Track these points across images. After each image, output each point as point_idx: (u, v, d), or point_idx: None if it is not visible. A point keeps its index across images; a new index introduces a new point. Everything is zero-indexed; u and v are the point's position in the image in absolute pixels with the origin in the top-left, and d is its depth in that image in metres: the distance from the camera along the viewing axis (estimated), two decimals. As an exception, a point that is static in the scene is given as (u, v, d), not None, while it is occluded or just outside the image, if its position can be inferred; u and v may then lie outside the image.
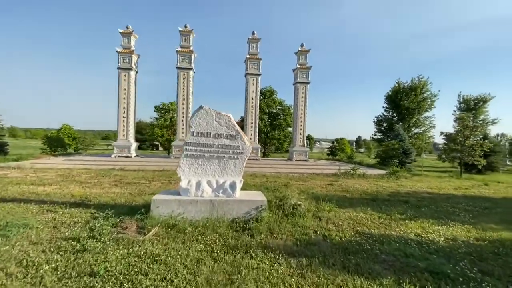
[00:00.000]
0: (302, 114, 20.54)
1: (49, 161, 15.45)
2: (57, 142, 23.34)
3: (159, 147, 39.13)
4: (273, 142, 32.12)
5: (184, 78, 17.83)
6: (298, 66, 20.23)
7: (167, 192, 5.90)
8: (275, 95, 31.15)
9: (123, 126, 17.69)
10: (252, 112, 19.37)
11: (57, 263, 3.42)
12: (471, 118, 18.38)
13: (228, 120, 5.94)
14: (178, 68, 17.88)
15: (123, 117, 17.64)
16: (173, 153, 18.15)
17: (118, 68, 17.51)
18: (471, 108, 27.27)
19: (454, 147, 17.40)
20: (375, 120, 30.80)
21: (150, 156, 21.59)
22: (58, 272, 3.24)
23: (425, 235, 5.29)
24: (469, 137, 17.33)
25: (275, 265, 3.69)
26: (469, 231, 5.81)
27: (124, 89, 17.50)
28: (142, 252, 3.80)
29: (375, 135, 31.37)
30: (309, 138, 39.72)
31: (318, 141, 68.70)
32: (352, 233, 5.14)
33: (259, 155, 19.94)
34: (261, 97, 29.94)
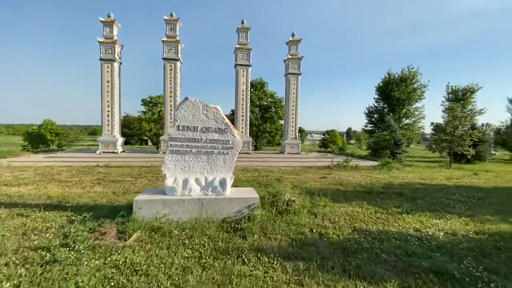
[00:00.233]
0: (293, 106, 20.18)
1: (29, 158, 14.61)
2: (38, 139, 22.21)
3: (148, 142, 38.13)
4: (265, 135, 31.73)
5: (171, 70, 17.07)
6: (289, 56, 19.73)
7: (152, 192, 5.46)
8: (266, 87, 30.58)
9: (108, 120, 16.88)
10: (242, 104, 18.85)
11: (20, 279, 2.98)
12: (460, 108, 18.42)
13: (217, 112, 5.51)
14: (164, 59, 17.07)
15: (108, 111, 16.81)
16: (162, 148, 17.53)
17: (101, 59, 16.55)
18: (459, 98, 27.61)
19: (444, 137, 17.50)
20: (366, 112, 30.84)
21: (138, 151, 20.83)
22: (20, 291, 2.80)
23: (424, 230, 5.09)
24: (458, 127, 17.46)
25: (270, 271, 3.36)
26: (467, 224, 5.66)
27: (108, 82, 16.62)
28: (121, 262, 3.39)
29: (366, 126, 31.46)
30: (300, 130, 39.56)
31: (310, 134, 68.80)
32: (350, 230, 4.88)
33: (250, 148, 19.55)
34: (252, 89, 29.35)
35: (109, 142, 16.86)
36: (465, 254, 4.14)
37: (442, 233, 4.95)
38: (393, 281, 3.23)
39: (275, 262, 3.55)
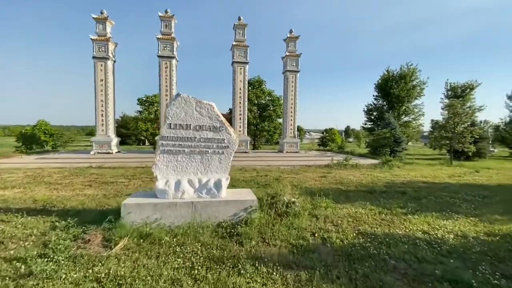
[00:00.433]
0: (292, 104, 19.85)
1: (21, 160, 14.20)
2: (31, 139, 21.73)
3: (146, 142, 37.68)
4: (263, 134, 31.42)
5: (166, 67, 16.67)
6: (287, 53, 19.38)
7: (142, 194, 5.11)
8: (264, 85, 30.23)
9: (102, 120, 16.47)
10: (240, 102, 18.50)
11: (-14, 297, 2.64)
12: (460, 105, 18.17)
13: (211, 109, 5.16)
14: (159, 56, 16.67)
15: (102, 110, 16.39)
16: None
17: (94, 57, 16.11)
18: (458, 95, 27.39)
19: (445, 134, 17.25)
20: (365, 109, 30.55)
21: (134, 151, 20.43)
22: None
23: (433, 232, 4.78)
24: (459, 124, 17.21)
25: (269, 283, 3.04)
26: (476, 225, 5.37)
27: (101, 80, 16.19)
28: (103, 274, 3.05)
29: (365, 124, 31.20)
30: (299, 129, 39.28)
31: (308, 132, 68.53)
32: (354, 234, 4.56)
33: (248, 147, 19.23)
34: (250, 87, 28.99)
35: (104, 142, 16.46)
36: (478, 259, 3.84)
37: (451, 236, 4.64)
38: (405, 292, 2.92)
39: (274, 273, 3.23)
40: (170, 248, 3.77)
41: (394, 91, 27.01)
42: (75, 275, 3.02)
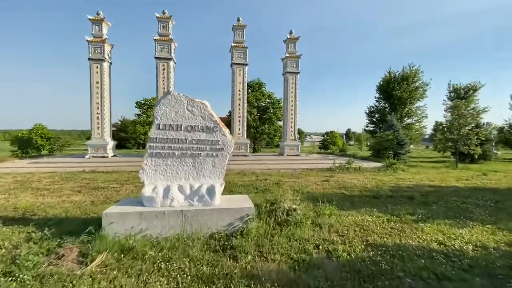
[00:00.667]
0: (292, 106, 19.45)
1: (12, 164, 13.78)
2: (27, 144, 21.34)
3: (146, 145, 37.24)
4: (263, 137, 30.98)
5: (164, 69, 16.32)
6: (287, 55, 19.03)
7: (127, 202, 4.66)
8: (264, 88, 29.89)
9: (98, 123, 16.07)
10: (239, 105, 18.10)
11: None
12: (464, 106, 17.73)
13: (204, 108, 4.74)
14: (157, 58, 16.33)
15: (97, 113, 16.01)
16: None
17: (89, 59, 15.78)
18: (461, 97, 26.93)
19: (449, 137, 16.78)
20: (367, 112, 30.10)
21: (131, 155, 20.00)
22: None
23: (449, 243, 4.31)
24: (464, 125, 16.76)
25: (266, 309, 2.58)
26: (494, 234, 4.89)
27: (97, 82, 15.83)
28: (71, 299, 2.60)
29: (367, 126, 30.73)
30: (299, 132, 38.85)
31: (309, 135, 68.10)
32: (363, 246, 4.09)
33: (248, 150, 18.78)
34: (250, 90, 28.66)
35: (99, 146, 16.04)
36: (505, 274, 3.37)
37: (470, 247, 4.16)
38: (429, 321, 2.45)
39: (272, 295, 2.77)
40: (154, 265, 3.31)
41: (396, 93, 26.59)
42: (37, 300, 2.57)
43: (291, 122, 19.64)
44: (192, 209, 4.28)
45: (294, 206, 5.50)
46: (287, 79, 19.18)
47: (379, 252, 3.88)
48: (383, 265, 3.48)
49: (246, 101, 18.57)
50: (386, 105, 28.67)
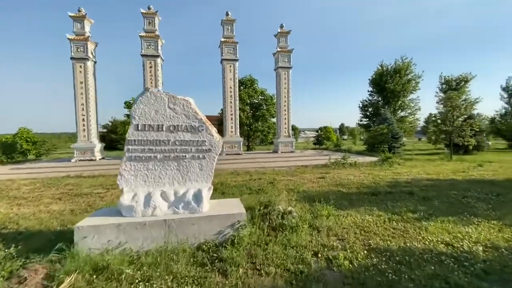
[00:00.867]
0: (285, 102, 19.05)
1: (-7, 171, 13.03)
2: (11, 149, 20.43)
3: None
4: (257, 135, 30.55)
5: (150, 67, 15.68)
6: (279, 49, 18.57)
7: (103, 213, 4.20)
8: (256, 84, 29.38)
9: (83, 125, 15.38)
10: (231, 102, 17.60)
11: None
12: (457, 97, 17.63)
13: (187, 106, 4.30)
14: (143, 55, 15.66)
15: (82, 114, 15.31)
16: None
17: (72, 58, 15.02)
18: (453, 88, 26.97)
19: (444, 128, 16.67)
20: (360, 106, 29.95)
21: (121, 157, 19.34)
22: None
23: (457, 244, 4.00)
24: (458, 117, 16.67)
25: None
26: (502, 231, 4.62)
27: (81, 82, 15.11)
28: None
29: (361, 120, 30.62)
30: (293, 128, 38.54)
31: (303, 131, 68.01)
32: (365, 252, 3.73)
33: (241, 149, 18.35)
34: (242, 87, 28.14)
35: (86, 148, 15.37)
36: (523, 280, 3.06)
37: (480, 248, 3.86)
38: None
39: (267, 320, 2.38)
40: (132, 286, 2.89)
41: (389, 86, 26.46)
42: None
43: (285, 118, 19.26)
44: (177, 218, 3.86)
45: (289, 208, 5.13)
46: (279, 74, 18.75)
47: (384, 259, 3.53)
48: (390, 274, 3.13)
49: (238, 98, 18.09)
50: (379, 98, 28.56)
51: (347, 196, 7.21)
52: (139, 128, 4.15)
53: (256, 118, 29.01)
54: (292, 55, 18.79)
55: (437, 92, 28.49)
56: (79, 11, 15.29)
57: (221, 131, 20.07)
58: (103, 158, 16.56)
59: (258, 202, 5.49)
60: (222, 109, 19.24)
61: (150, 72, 15.70)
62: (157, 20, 16.08)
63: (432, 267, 3.29)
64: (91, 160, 15.37)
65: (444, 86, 28.42)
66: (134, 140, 4.15)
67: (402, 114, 28.23)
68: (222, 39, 17.18)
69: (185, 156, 4.29)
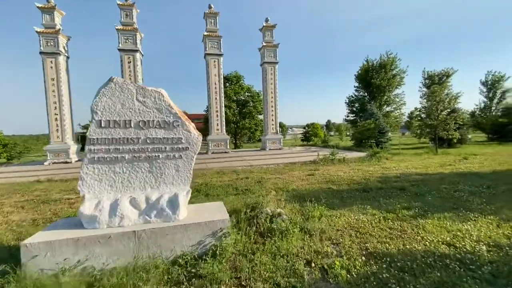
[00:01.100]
0: (272, 98, 18.63)
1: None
2: (-21, 152, 18.94)
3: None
4: (244, 132, 30.04)
5: (129, 62, 14.79)
6: (264, 44, 18.08)
7: (61, 225, 3.58)
8: (242, 81, 28.80)
9: (57, 125, 14.29)
10: (216, 98, 16.97)
11: None
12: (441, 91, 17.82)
13: (159, 98, 3.75)
14: (121, 50, 14.73)
15: (55, 114, 14.22)
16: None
17: (41, 52, 13.87)
18: (435, 83, 27.51)
19: (429, 122, 16.82)
20: (347, 101, 30.06)
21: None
22: None
23: (459, 244, 3.70)
24: (443, 110, 16.86)
25: None
26: (500, 227, 4.39)
27: (52, 79, 14.01)
28: None
29: (347, 116, 30.73)
30: (281, 125, 38.32)
31: (291, 128, 68.11)
32: (363, 258, 3.35)
33: (228, 147, 17.79)
34: (227, 83, 27.50)
35: (60, 150, 14.32)
36: (535, 283, 2.77)
37: (484, 247, 3.57)
38: None
39: None
40: (88, 317, 2.35)
41: (375, 81, 26.63)
42: None
43: (272, 115, 18.86)
44: (148, 228, 3.32)
45: (278, 210, 4.70)
46: (265, 69, 18.28)
47: (384, 265, 3.16)
48: (393, 285, 2.75)
49: (223, 94, 17.48)
50: (366, 94, 28.74)
51: (338, 193, 6.87)
52: (103, 125, 3.57)
53: (243, 115, 28.48)
54: (278, 50, 18.37)
55: (420, 87, 29.00)
56: (48, 1, 14.14)
57: (207, 129, 19.43)
58: (79, 160, 15.53)
59: (245, 204, 5.05)
60: (207, 107, 18.58)
61: (129, 67, 14.80)
62: (134, 12, 15.17)
63: (438, 274, 2.95)
64: (66, 162, 14.34)
65: (427, 81, 28.94)
66: (97, 138, 3.56)
67: (388, 109, 28.57)
68: (205, 33, 16.49)
69: (159, 156, 3.75)
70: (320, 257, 3.40)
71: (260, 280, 2.89)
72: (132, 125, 3.65)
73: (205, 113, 28.12)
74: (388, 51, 27.85)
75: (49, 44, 13.97)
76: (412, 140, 31.80)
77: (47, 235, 3.18)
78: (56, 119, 14.26)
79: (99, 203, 3.44)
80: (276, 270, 3.08)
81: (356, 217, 4.91)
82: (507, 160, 12.18)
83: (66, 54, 14.83)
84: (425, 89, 26.57)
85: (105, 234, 3.18)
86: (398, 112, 28.90)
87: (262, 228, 4.16)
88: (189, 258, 3.23)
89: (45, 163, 13.98)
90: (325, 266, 3.16)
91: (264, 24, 18.07)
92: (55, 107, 14.18)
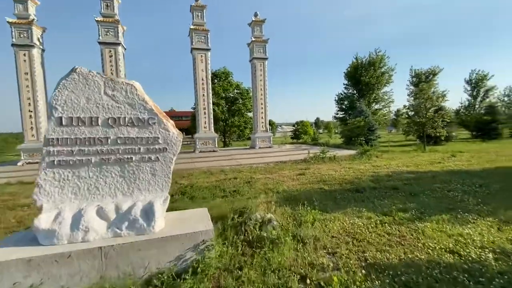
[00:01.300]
0: (262, 94, 18.21)
1: None
2: None
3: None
4: (234, 130, 29.51)
5: (110, 56, 13.96)
6: (253, 39, 17.59)
7: (13, 240, 3.04)
8: (231, 77, 28.22)
9: (31, 123, 13.33)
10: (203, 95, 16.38)
11: None
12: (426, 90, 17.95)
13: (132, 92, 3.27)
14: (101, 43, 13.86)
15: (29, 111, 13.25)
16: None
17: (13, 45, 12.84)
18: (422, 81, 27.89)
19: (418, 120, 16.90)
20: (336, 99, 30.07)
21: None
22: None
23: (463, 251, 3.43)
24: (430, 108, 16.98)
25: None
26: (502, 230, 4.18)
27: (26, 73, 13.01)
28: None
29: (337, 114, 30.78)
30: (271, 123, 38.04)
31: (280, 126, 68.04)
32: (363, 271, 3.01)
33: (216, 145, 17.26)
34: (216, 80, 26.87)
35: (35, 150, 13.37)
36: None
37: (490, 255, 3.31)
38: None
39: None
40: None
41: (364, 79, 26.70)
42: None
43: (262, 112, 18.45)
44: (117, 244, 2.84)
45: (268, 216, 4.31)
46: (254, 65, 17.81)
47: (387, 280, 2.83)
48: (400, 305, 2.42)
49: (210, 91, 16.89)
50: (355, 91, 28.81)
51: (330, 194, 6.57)
52: (64, 123, 3.05)
53: (232, 112, 27.94)
54: (268, 45, 17.94)
55: (408, 85, 29.32)
56: (20, -11, 13.11)
57: (195, 127, 18.81)
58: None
59: (232, 209, 4.63)
60: (195, 103, 17.95)
61: (110, 62, 13.97)
62: (116, 3, 14.32)
63: (447, 289, 2.64)
64: (43, 162, 13.42)
65: (414, 79, 29.27)
66: (57, 138, 3.05)
67: (377, 106, 28.77)
68: (192, 27, 15.82)
69: (131, 158, 3.27)
70: (315, 270, 3.03)
71: (248, 303, 2.49)
72: (99, 123, 3.15)
73: (193, 110, 27.40)
74: (377, 48, 28.03)
75: (22, 35, 12.96)
76: (399, 138, 32.29)
77: (-7, 254, 2.66)
78: (30, 116, 13.29)
79: (59, 214, 2.93)
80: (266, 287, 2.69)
81: (351, 221, 4.59)
82: (494, 158, 12.31)
83: (41, 47, 13.83)
84: (412, 87, 26.86)
85: (64, 253, 2.69)
86: (386, 110, 29.19)
87: (250, 237, 3.76)
88: (165, 277, 2.78)
89: (19, 164, 13.03)
90: (322, 283, 2.79)
91: (253, 19, 17.58)
92: (29, 104, 13.20)
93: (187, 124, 37.62)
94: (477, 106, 30.87)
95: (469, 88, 31.32)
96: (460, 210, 5.05)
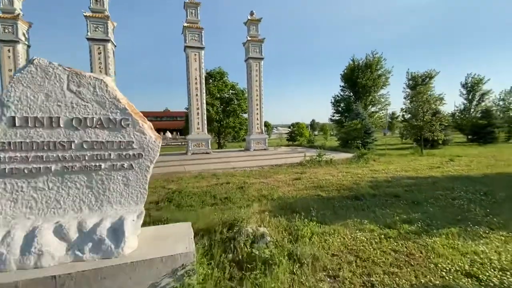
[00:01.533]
0: (257, 95, 17.78)
1: None
2: None
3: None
4: (228, 131, 28.95)
5: (99, 53, 13.36)
6: (249, 38, 17.17)
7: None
8: (226, 77, 27.69)
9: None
10: (197, 95, 15.86)
11: None
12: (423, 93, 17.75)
13: (102, 89, 2.78)
14: (89, 39, 13.26)
15: (13, 109, 12.61)
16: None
17: (-4, 40, 12.28)
18: (419, 84, 27.82)
19: (415, 123, 16.66)
20: (333, 101, 29.82)
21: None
22: None
23: (482, 275, 3.03)
24: (428, 111, 16.76)
25: None
26: (516, 245, 3.79)
27: (10, 70, 12.36)
28: None
29: (333, 116, 30.51)
30: (266, 125, 37.63)
31: (276, 127, 67.69)
32: (370, 301, 2.58)
33: (210, 147, 16.75)
34: (211, 80, 26.35)
35: None
36: None
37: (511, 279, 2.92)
38: None
39: None
40: None
41: (360, 81, 26.49)
42: None
43: (257, 113, 18.02)
44: (76, 271, 2.35)
45: (261, 230, 3.86)
46: (250, 65, 17.38)
47: (400, 314, 2.39)
48: None
49: (204, 91, 16.38)
50: (351, 94, 28.59)
51: (328, 202, 6.14)
52: (18, 123, 2.55)
53: (227, 113, 27.39)
54: (264, 45, 17.54)
55: (404, 88, 29.23)
56: (4, -18, 12.48)
57: (188, 128, 18.30)
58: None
59: (221, 220, 4.16)
60: (188, 104, 17.42)
61: (99, 59, 13.37)
62: (106, -2, 13.76)
63: (472, 328, 2.22)
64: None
65: (411, 82, 29.20)
66: (9, 142, 2.55)
67: (373, 109, 28.60)
68: (185, 24, 15.32)
69: (100, 166, 2.78)
70: (315, 301, 2.59)
71: None
72: (61, 124, 2.66)
73: (186, 110, 26.85)
74: (374, 50, 27.89)
75: (6, 30, 12.31)
76: (395, 141, 32.15)
77: None
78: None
79: (8, 233, 2.43)
80: (256, 328, 2.23)
81: (352, 235, 4.17)
82: (493, 163, 12.07)
83: (27, 43, 13.18)
84: (408, 90, 26.74)
85: (10, 283, 2.19)
86: (383, 113, 29.03)
87: (240, 256, 3.30)
88: (135, 311, 2.30)
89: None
90: (323, 318, 2.34)
91: (249, 18, 17.17)
92: (12, 102, 12.52)
93: (182, 124, 36.99)
94: (472, 110, 30.92)
95: (464, 92, 31.38)
96: (469, 222, 4.67)
